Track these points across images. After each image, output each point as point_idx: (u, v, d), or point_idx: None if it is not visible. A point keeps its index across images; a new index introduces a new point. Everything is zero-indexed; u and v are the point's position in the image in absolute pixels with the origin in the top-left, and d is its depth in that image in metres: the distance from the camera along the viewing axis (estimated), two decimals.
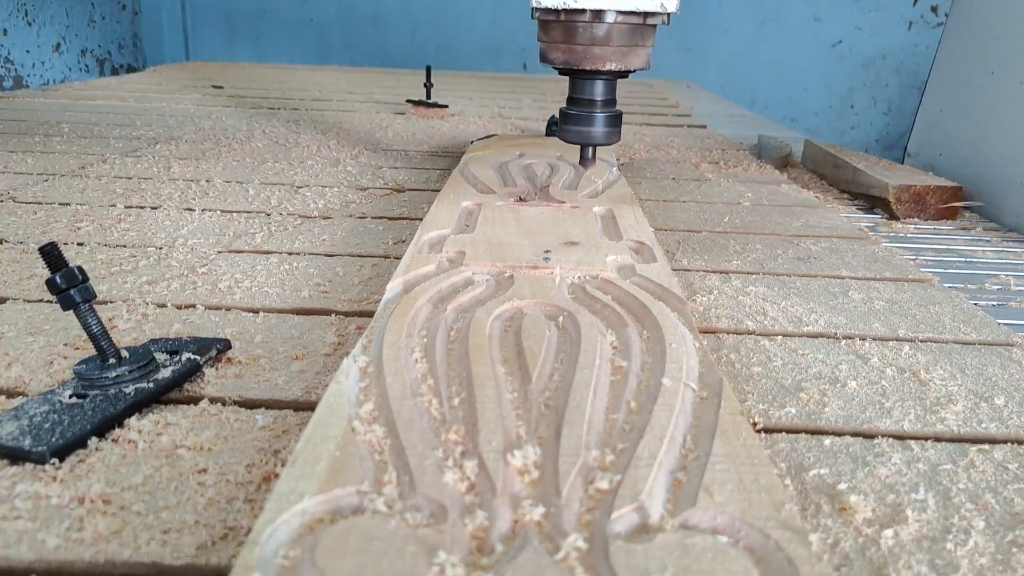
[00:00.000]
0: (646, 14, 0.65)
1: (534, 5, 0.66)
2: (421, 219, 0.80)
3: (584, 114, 0.71)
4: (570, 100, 0.72)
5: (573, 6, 0.64)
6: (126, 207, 0.85)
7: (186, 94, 1.90)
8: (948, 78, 1.23)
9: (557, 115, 1.33)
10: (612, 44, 0.66)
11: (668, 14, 0.65)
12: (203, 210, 0.85)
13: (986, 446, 0.42)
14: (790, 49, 3.45)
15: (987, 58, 1.12)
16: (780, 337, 0.56)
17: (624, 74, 0.69)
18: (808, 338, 0.56)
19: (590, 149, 0.74)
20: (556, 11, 0.65)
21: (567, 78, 0.72)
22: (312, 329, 0.55)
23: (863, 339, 0.56)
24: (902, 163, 1.29)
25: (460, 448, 0.34)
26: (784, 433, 0.43)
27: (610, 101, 0.71)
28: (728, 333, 0.57)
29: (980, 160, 1.09)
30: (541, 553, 0.28)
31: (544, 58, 0.70)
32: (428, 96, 1.70)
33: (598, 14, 0.64)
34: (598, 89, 0.70)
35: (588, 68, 0.67)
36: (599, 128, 0.71)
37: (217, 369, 0.48)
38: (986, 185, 1.06)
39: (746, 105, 3.03)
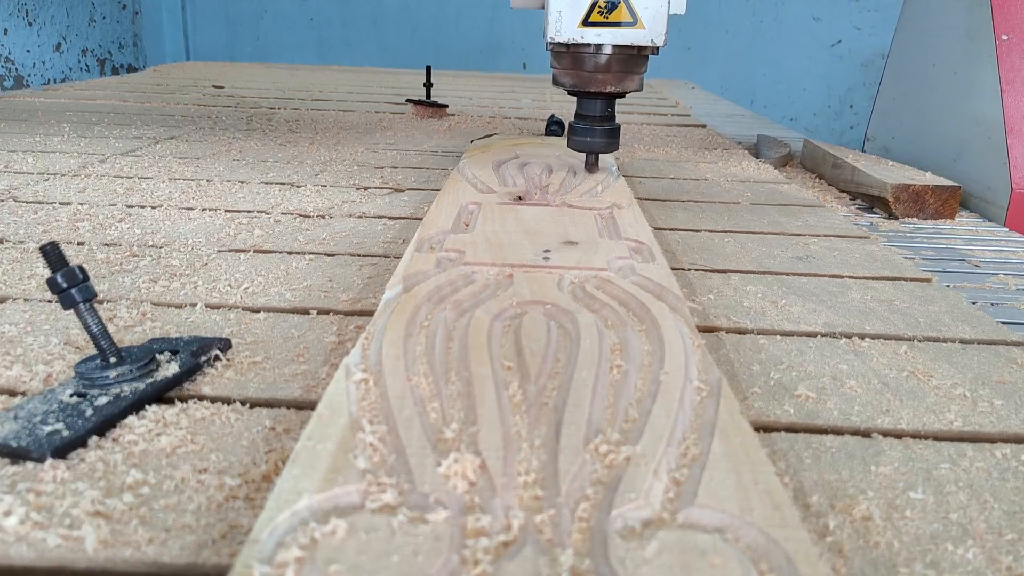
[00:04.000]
0: (639, 47, 0.80)
1: (549, 40, 0.80)
2: (421, 219, 0.80)
3: (588, 127, 0.86)
4: (577, 116, 0.87)
5: (580, 41, 0.79)
6: (126, 206, 0.85)
7: (186, 94, 1.90)
8: (898, 71, 1.42)
9: (556, 115, 1.35)
10: (611, 71, 0.81)
11: (657, 47, 0.80)
12: (203, 209, 0.85)
13: (985, 445, 0.42)
14: (790, 49, 3.46)
15: (928, 53, 1.30)
16: (779, 336, 0.56)
17: (621, 95, 0.84)
18: (807, 337, 0.56)
19: (593, 156, 0.89)
20: (567, 45, 0.80)
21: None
22: (312, 329, 0.55)
23: (862, 338, 0.56)
24: (863, 148, 1.48)
25: (460, 447, 0.34)
26: (783, 432, 0.43)
27: (609, 117, 0.86)
28: (727, 332, 0.57)
29: (923, 141, 1.29)
30: (540, 553, 0.28)
31: (556, 82, 0.85)
32: (428, 96, 1.70)
33: (599, 47, 0.80)
34: (599, 107, 0.85)
35: (592, 90, 0.83)
36: (600, 139, 0.86)
37: (217, 368, 0.48)
38: (927, 163, 1.23)
39: (746, 105, 3.03)
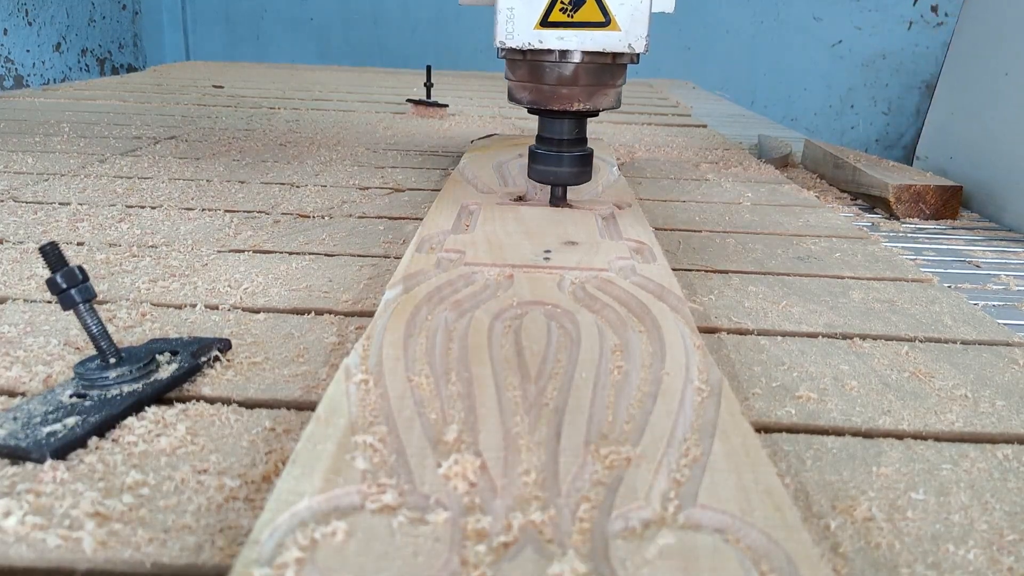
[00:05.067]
0: (614, 54, 0.63)
1: (499, 44, 0.64)
2: (421, 219, 0.80)
3: (552, 154, 0.69)
4: (539, 139, 0.70)
5: (538, 46, 0.63)
6: (126, 206, 0.85)
7: (186, 94, 1.90)
8: (958, 80, 1.20)
9: None
10: (579, 84, 0.65)
11: (637, 54, 0.63)
12: (203, 210, 0.85)
13: (987, 446, 0.42)
14: (790, 49, 3.45)
15: (999, 59, 1.09)
16: (780, 337, 0.56)
17: (593, 113, 0.67)
18: (808, 338, 0.56)
19: (559, 189, 0.73)
20: (522, 51, 0.64)
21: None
22: (312, 329, 0.55)
23: (863, 339, 0.56)
24: (911, 166, 1.25)
25: (460, 448, 0.34)
26: (784, 433, 0.43)
27: (579, 140, 0.70)
28: (728, 333, 0.57)
29: (993, 164, 1.06)
30: (541, 553, 0.28)
31: (512, 97, 0.69)
32: (428, 96, 1.70)
33: (564, 54, 0.63)
34: (567, 128, 0.68)
35: (555, 108, 0.66)
36: (567, 168, 0.70)
37: (217, 369, 0.48)
38: (1000, 190, 1.03)
39: (746, 105, 3.03)
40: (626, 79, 0.68)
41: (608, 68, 0.65)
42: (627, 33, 0.61)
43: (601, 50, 0.62)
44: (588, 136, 0.71)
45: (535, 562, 0.27)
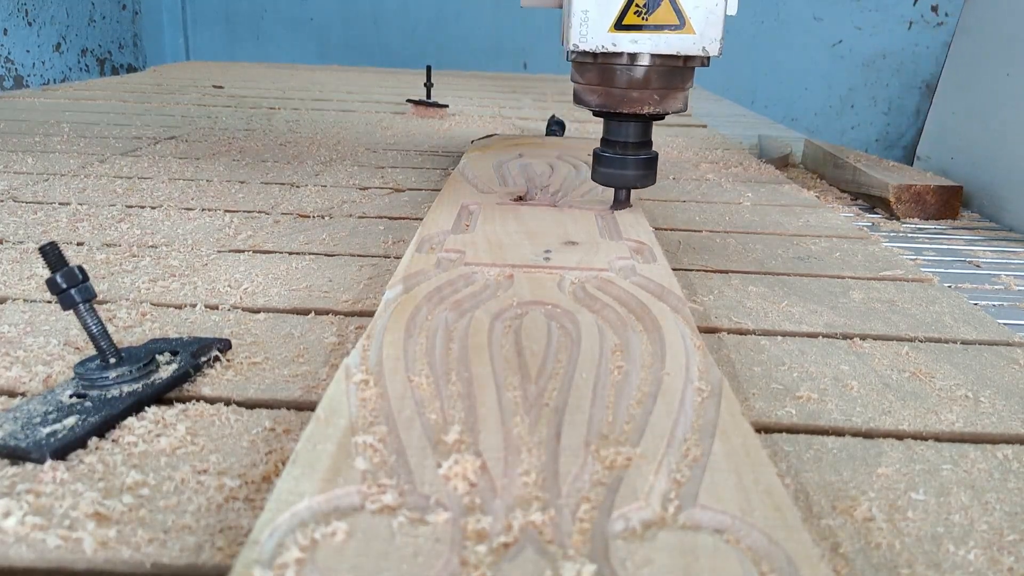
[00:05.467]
0: (686, 57, 0.63)
1: (572, 47, 0.63)
2: (421, 219, 0.80)
3: (619, 157, 0.69)
4: (604, 142, 0.70)
5: (612, 49, 0.62)
6: (126, 207, 0.85)
7: (186, 94, 1.89)
8: (959, 80, 1.20)
9: (556, 115, 1.35)
10: (650, 87, 0.64)
11: (708, 57, 0.63)
12: (203, 209, 0.85)
13: (987, 446, 0.42)
14: (790, 49, 3.45)
15: (1000, 60, 1.09)
16: (780, 337, 0.56)
17: (661, 116, 0.67)
18: (808, 338, 0.56)
19: (623, 192, 0.73)
20: (594, 54, 0.64)
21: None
22: (312, 329, 0.55)
23: (863, 339, 0.56)
24: (911, 166, 1.25)
25: (460, 448, 0.34)
26: (784, 433, 0.43)
27: (645, 143, 0.69)
28: (728, 333, 0.57)
29: (994, 164, 1.06)
30: (541, 554, 0.28)
31: (579, 99, 0.68)
32: (428, 96, 1.70)
33: (635, 57, 0.63)
34: (634, 132, 0.68)
35: (625, 111, 0.66)
36: (633, 171, 0.70)
37: (217, 369, 0.48)
38: (1000, 190, 1.03)
39: (746, 105, 3.02)
40: (694, 83, 0.67)
41: (679, 71, 0.65)
42: (701, 36, 0.61)
43: (675, 53, 0.62)
44: (611, 139, 0.70)
45: (535, 563, 0.27)
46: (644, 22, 0.61)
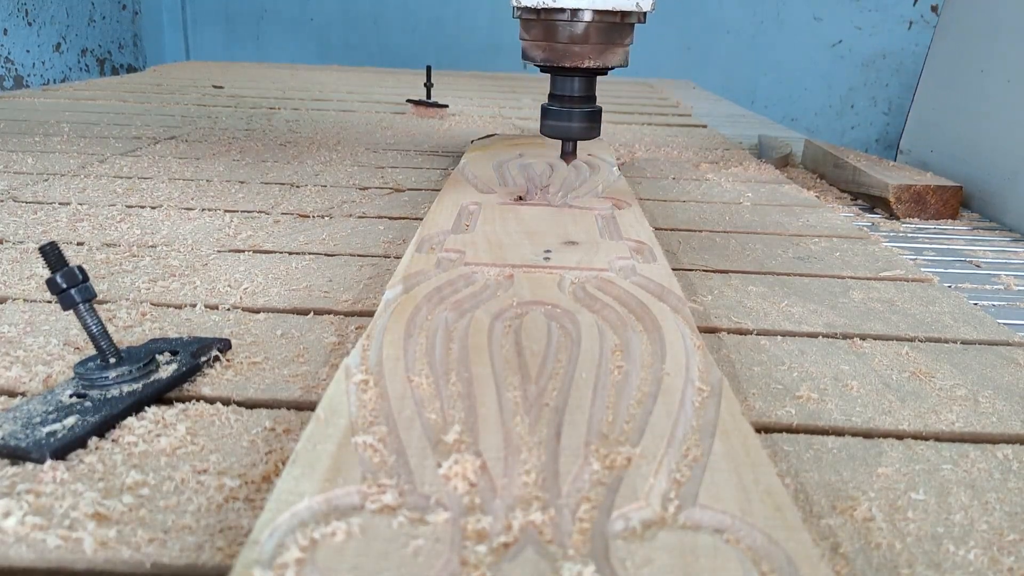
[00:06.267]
0: (623, 13, 0.68)
1: (515, 4, 0.69)
2: (421, 219, 0.80)
3: (564, 110, 0.73)
4: (551, 96, 0.75)
5: (552, 5, 0.67)
6: (126, 206, 0.85)
7: (186, 94, 1.89)
8: (939, 76, 1.26)
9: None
10: (590, 42, 0.69)
11: (644, 12, 0.68)
12: (203, 209, 0.85)
13: (987, 446, 0.42)
14: (790, 49, 3.45)
15: (976, 57, 1.14)
16: (780, 337, 0.56)
17: (603, 71, 0.71)
18: (808, 338, 0.56)
19: (570, 144, 0.77)
20: (536, 10, 0.68)
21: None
22: (312, 329, 0.55)
23: (863, 339, 0.56)
24: (894, 159, 1.32)
25: (460, 448, 0.34)
26: (784, 433, 0.43)
27: (589, 97, 0.73)
28: (728, 333, 0.57)
29: (972, 156, 1.12)
30: (541, 554, 0.28)
31: (526, 55, 0.73)
32: (428, 96, 1.70)
33: (576, 13, 0.67)
34: (577, 86, 0.73)
35: (567, 65, 0.70)
36: (577, 123, 0.74)
37: (217, 369, 0.48)
38: (978, 181, 1.09)
39: (746, 105, 3.02)
40: (633, 39, 0.72)
41: (617, 27, 0.69)
42: None
43: (611, 8, 0.67)
44: (557, 93, 0.74)
45: (535, 563, 0.27)
46: None
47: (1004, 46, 1.07)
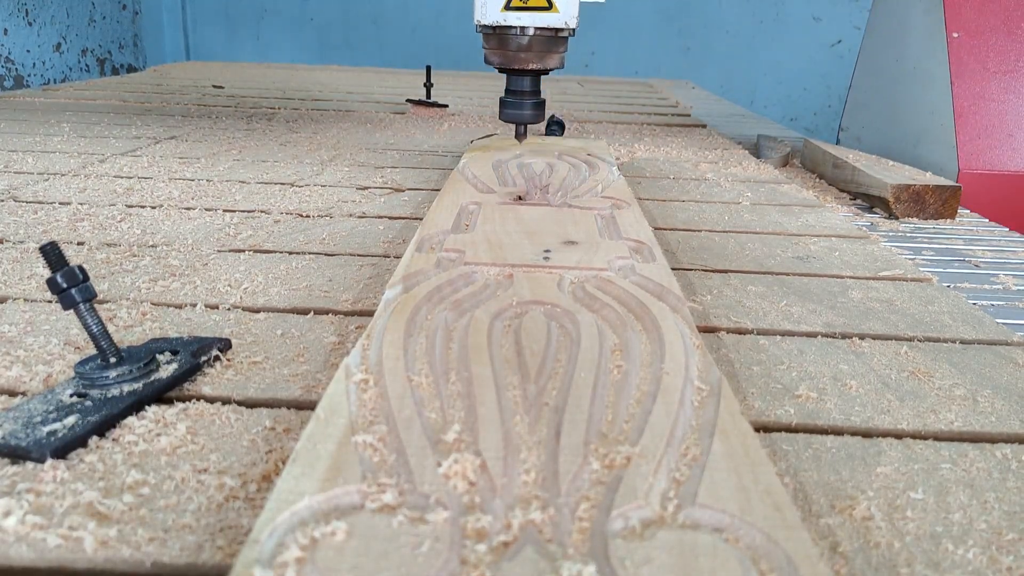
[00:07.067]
0: (556, 29, 0.90)
1: (476, 22, 0.91)
2: (421, 219, 0.80)
3: (517, 101, 0.96)
4: (507, 91, 0.97)
5: (503, 23, 0.89)
6: (126, 206, 0.85)
7: (186, 94, 1.90)
8: (869, 66, 1.55)
9: (556, 115, 1.35)
10: (534, 50, 0.91)
11: (572, 28, 0.89)
12: (203, 209, 0.85)
13: (986, 445, 0.42)
14: (790, 49, 3.46)
15: (893, 49, 1.44)
16: (779, 336, 0.56)
17: (544, 71, 0.94)
18: (807, 337, 0.56)
19: (522, 127, 1.00)
20: (492, 27, 0.90)
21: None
22: (312, 329, 0.55)
23: (862, 338, 0.56)
24: (836, 139, 1.62)
25: (460, 447, 0.34)
26: (783, 432, 0.43)
27: (535, 92, 0.97)
28: (727, 332, 0.57)
29: (890, 128, 1.43)
30: (541, 553, 0.28)
31: (487, 61, 0.95)
32: (428, 96, 1.70)
33: (523, 29, 0.90)
34: (527, 83, 0.95)
35: (517, 68, 0.92)
36: (528, 111, 0.97)
37: (217, 368, 0.48)
38: (894, 146, 1.39)
39: (745, 105, 3.03)
40: (567, 48, 0.94)
41: (553, 39, 0.91)
42: (563, 14, 0.88)
43: (547, 26, 0.89)
44: (511, 88, 0.97)
45: (535, 562, 0.27)
46: (525, 5, 0.88)
47: (912, 39, 1.38)
